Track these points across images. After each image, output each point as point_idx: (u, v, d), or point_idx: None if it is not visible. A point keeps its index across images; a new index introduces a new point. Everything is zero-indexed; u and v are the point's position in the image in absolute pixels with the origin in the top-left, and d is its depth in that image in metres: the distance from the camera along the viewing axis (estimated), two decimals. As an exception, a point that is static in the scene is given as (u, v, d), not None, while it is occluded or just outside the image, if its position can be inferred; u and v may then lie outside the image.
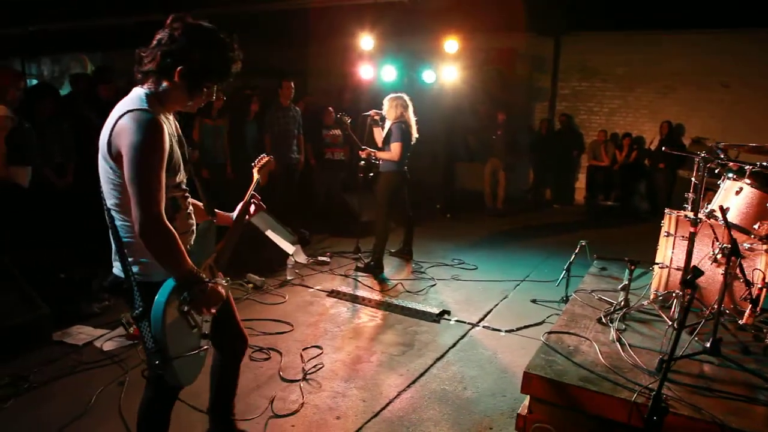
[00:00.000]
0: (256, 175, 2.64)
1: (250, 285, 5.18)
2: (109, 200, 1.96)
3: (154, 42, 1.94)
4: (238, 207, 2.48)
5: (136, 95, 1.94)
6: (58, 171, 5.05)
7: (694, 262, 3.62)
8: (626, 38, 9.91)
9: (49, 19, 11.40)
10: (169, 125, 2.00)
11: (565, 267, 4.87)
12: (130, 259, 1.98)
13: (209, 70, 1.97)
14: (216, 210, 2.37)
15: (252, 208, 2.50)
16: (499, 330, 4.43)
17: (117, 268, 2.05)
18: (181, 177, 2.09)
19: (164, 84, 1.95)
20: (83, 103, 5.53)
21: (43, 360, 3.62)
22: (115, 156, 1.87)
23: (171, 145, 1.96)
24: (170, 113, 2.07)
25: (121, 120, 1.85)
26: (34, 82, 15.84)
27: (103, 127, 1.92)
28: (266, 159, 2.72)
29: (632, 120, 10.41)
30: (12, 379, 3.35)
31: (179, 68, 1.91)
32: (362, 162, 5.94)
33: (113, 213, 1.97)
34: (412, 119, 5.72)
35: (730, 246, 2.97)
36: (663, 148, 4.38)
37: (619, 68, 10.33)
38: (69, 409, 3.09)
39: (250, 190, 2.52)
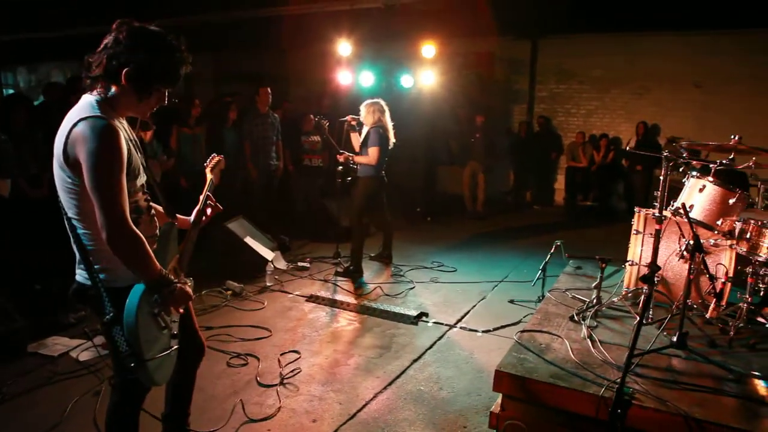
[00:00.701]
0: (209, 176, 2.62)
1: (229, 292, 5.19)
2: (69, 210, 1.96)
3: (101, 47, 1.94)
4: (195, 210, 2.48)
5: (87, 102, 1.93)
6: (34, 182, 5.04)
7: (662, 258, 3.72)
8: (601, 40, 10.07)
9: (26, 29, 11.32)
10: (124, 130, 2.00)
11: (541, 267, 4.95)
12: (96, 267, 1.99)
13: (156, 72, 1.95)
14: (176, 213, 2.37)
15: (209, 210, 2.49)
16: (476, 330, 4.48)
17: (81, 276, 2.06)
18: (142, 180, 2.10)
19: (113, 89, 1.95)
20: (57, 113, 5.51)
21: (17, 371, 3.61)
22: (72, 164, 1.86)
23: (129, 150, 1.96)
24: (123, 118, 2.06)
25: (75, 128, 1.85)
26: (11, 91, 15.68)
27: None
28: (217, 158, 2.69)
29: (609, 121, 10.58)
30: (-15, 391, 3.33)
31: (125, 70, 1.90)
32: (340, 167, 5.98)
33: (74, 222, 1.97)
34: (390, 124, 5.77)
35: (693, 242, 3.06)
36: (627, 148, 4.48)
37: (595, 70, 10.50)
38: (44, 420, 3.09)
39: (205, 191, 2.51)
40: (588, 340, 3.29)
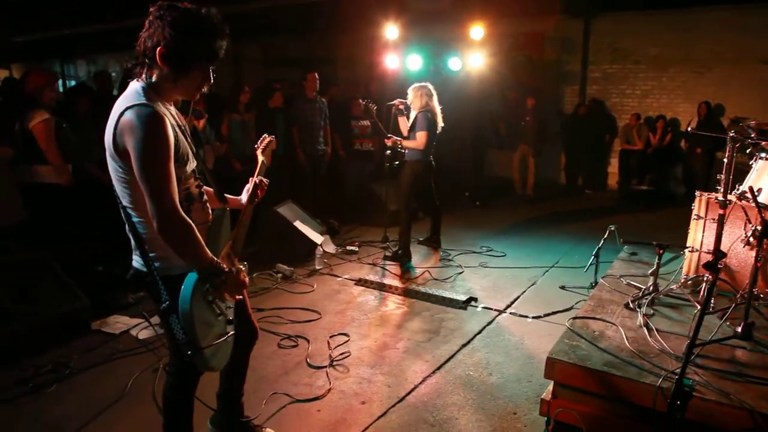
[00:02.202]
0: (260, 157, 2.60)
1: (279, 275, 5.28)
2: (123, 199, 1.98)
3: (140, 33, 1.93)
4: (246, 190, 2.48)
5: (133, 90, 1.92)
6: (104, 166, 5.23)
7: (726, 245, 3.54)
8: (658, 17, 9.61)
9: (84, 23, 11.73)
10: (171, 116, 1.99)
11: (594, 252, 4.80)
12: (151, 255, 2.00)
13: (190, 48, 1.90)
14: (226, 195, 2.38)
15: (259, 192, 2.49)
16: (526, 316, 4.41)
17: (137, 262, 2.10)
18: (192, 166, 2.09)
19: (154, 73, 1.93)
20: (108, 99, 5.72)
21: (83, 348, 3.79)
22: (122, 153, 1.87)
23: (176, 136, 1.95)
24: (170, 103, 2.05)
25: (123, 117, 1.85)
26: (73, 83, 16.36)
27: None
28: (268, 139, 2.66)
29: (666, 102, 10.12)
30: (54, 365, 3.51)
31: (158, 50, 1.87)
32: (388, 151, 5.95)
33: (129, 210, 1.99)
34: (437, 108, 5.69)
35: (761, 228, 2.88)
36: (689, 129, 4.26)
37: (651, 49, 10.02)
38: (107, 393, 3.24)
39: (256, 172, 2.50)
40: (644, 328, 3.17)
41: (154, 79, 1.94)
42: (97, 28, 12.52)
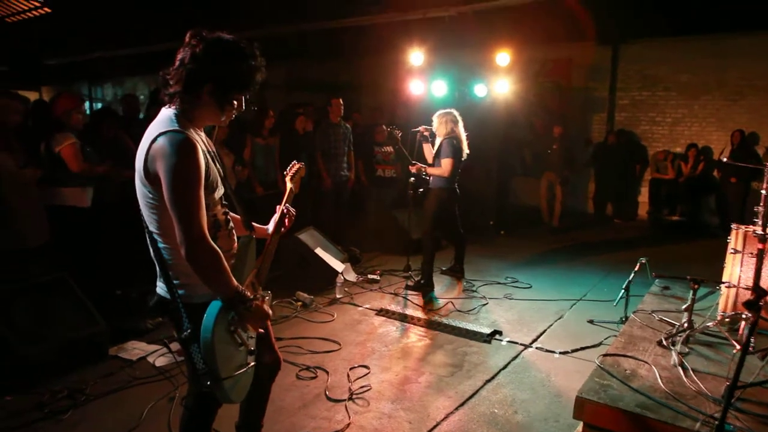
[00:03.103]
0: (289, 184, 2.61)
1: (299, 303, 5.27)
2: (150, 224, 2.01)
3: (177, 62, 1.97)
4: (273, 219, 2.48)
5: (166, 116, 1.97)
6: (122, 190, 5.32)
7: (765, 281, 3.44)
8: (689, 44, 9.55)
9: (112, 47, 12.14)
10: (202, 142, 2.03)
11: (624, 286, 4.71)
12: (175, 282, 2.02)
13: (234, 82, 1.99)
14: (253, 224, 2.39)
15: (287, 221, 2.49)
16: (553, 351, 4.31)
17: (161, 289, 2.11)
18: (220, 193, 2.13)
19: (192, 103, 1.98)
20: (137, 124, 5.84)
21: (99, 373, 3.81)
22: (153, 179, 1.91)
23: (207, 162, 1.99)
24: (201, 129, 2.09)
25: (155, 144, 1.89)
26: (99, 105, 16.84)
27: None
28: (297, 166, 2.66)
29: (698, 130, 9.99)
30: (70, 391, 3.53)
31: (206, 86, 1.94)
32: (412, 178, 5.96)
33: (155, 236, 2.02)
34: (463, 135, 5.71)
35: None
36: (723, 159, 4.20)
37: (682, 75, 9.94)
38: (122, 422, 3.23)
39: (284, 200, 2.50)
40: (679, 367, 3.08)
41: (189, 107, 1.99)
42: (124, 52, 12.94)
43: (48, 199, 4.56)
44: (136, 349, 4.22)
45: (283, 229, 2.48)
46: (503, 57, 8.16)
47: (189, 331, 1.97)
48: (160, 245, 2.02)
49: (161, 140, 1.88)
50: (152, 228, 2.01)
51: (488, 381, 3.83)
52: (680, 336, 3.45)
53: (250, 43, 2.01)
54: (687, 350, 3.33)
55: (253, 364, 2.17)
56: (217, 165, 2.12)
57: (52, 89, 16.47)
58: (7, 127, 4.25)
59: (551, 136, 9.52)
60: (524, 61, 9.48)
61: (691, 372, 3.02)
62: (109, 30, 11.11)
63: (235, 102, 2.05)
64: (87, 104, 16.71)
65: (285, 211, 2.49)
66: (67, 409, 3.35)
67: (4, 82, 13.46)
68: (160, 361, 4.01)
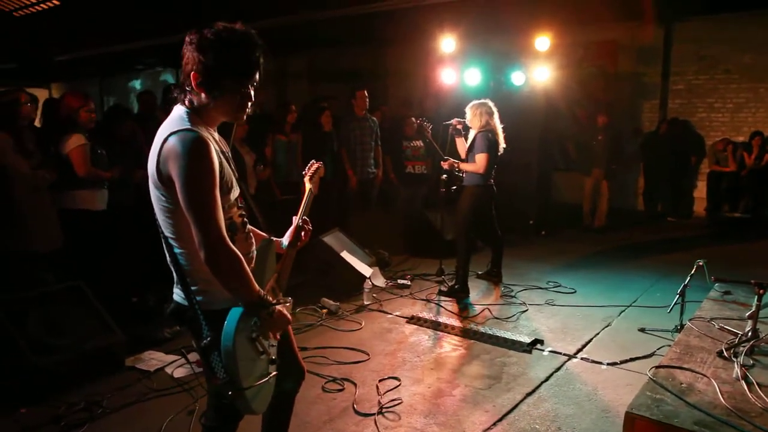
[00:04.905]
0: (308, 185, 2.62)
1: (324, 310, 5.32)
2: (166, 229, 2.04)
3: (183, 59, 2.01)
4: (289, 232, 2.51)
5: (177, 115, 2.01)
6: (137, 193, 5.47)
7: (839, 285, 3.35)
8: (752, 20, 9.33)
9: (125, 39, 12.43)
10: (215, 141, 2.06)
11: (679, 291, 4.64)
12: (193, 288, 2.06)
13: (221, 66, 1.95)
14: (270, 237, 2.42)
15: (303, 234, 2.50)
16: (601, 363, 4.28)
17: (179, 296, 2.15)
18: (235, 194, 2.15)
19: (194, 98, 2.01)
20: (151, 120, 5.98)
21: (116, 385, 3.91)
22: (166, 181, 1.94)
23: (220, 162, 2.01)
24: (213, 129, 2.11)
25: (166, 144, 1.92)
26: (112, 100, 17.29)
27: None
28: (316, 165, 2.68)
29: (764, 116, 9.77)
30: (87, 404, 3.63)
31: (192, 75, 1.95)
32: (444, 175, 5.97)
33: (171, 241, 2.05)
34: (499, 127, 5.69)
35: None
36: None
37: (745, 56, 9.73)
38: (140, 437, 3.32)
39: (303, 203, 2.51)
40: (742, 381, 3.02)
41: (195, 103, 2.03)
42: (139, 44, 13.20)
43: (59, 202, 4.70)
44: (153, 359, 4.33)
45: (299, 243, 2.50)
46: (542, 41, 8.10)
47: (209, 338, 2.01)
48: (176, 250, 2.06)
49: (172, 140, 1.91)
50: (168, 232, 2.05)
51: (529, 394, 3.82)
52: (743, 346, 3.38)
53: (232, 27, 1.99)
54: (751, 362, 3.26)
55: (275, 373, 2.21)
56: (231, 165, 2.15)
57: (61, 86, 16.95)
58: (19, 125, 4.40)
59: (595, 126, 9.41)
60: (566, 45, 9.40)
61: (756, 386, 2.95)
62: (121, 22, 11.35)
63: (229, 90, 2.00)
64: (100, 101, 17.15)
65: (300, 224, 2.51)
66: (84, 423, 3.45)
67: (12, 78, 13.86)
68: (178, 372, 4.11)
